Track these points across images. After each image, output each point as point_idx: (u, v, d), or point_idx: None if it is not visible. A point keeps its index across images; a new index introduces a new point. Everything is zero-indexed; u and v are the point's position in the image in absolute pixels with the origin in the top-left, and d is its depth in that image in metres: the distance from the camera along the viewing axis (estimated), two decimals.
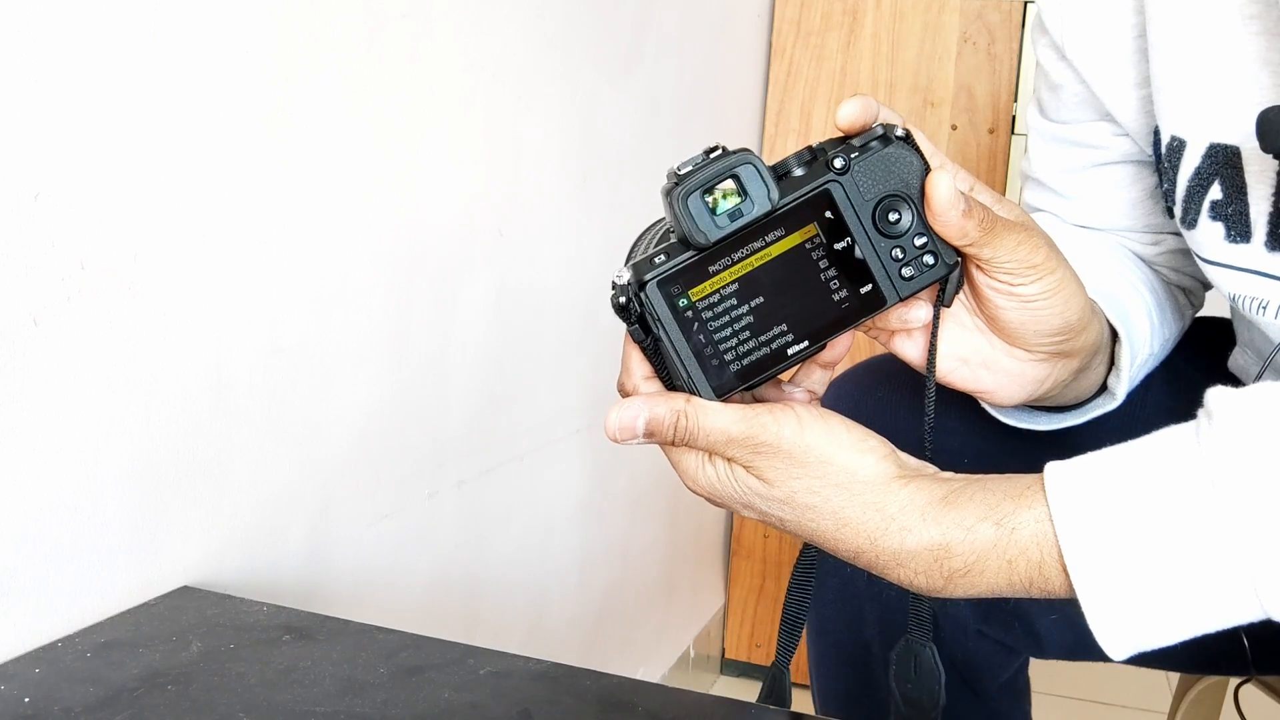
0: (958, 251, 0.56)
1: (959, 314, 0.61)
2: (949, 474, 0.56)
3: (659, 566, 1.68)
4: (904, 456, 0.55)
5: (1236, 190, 0.69)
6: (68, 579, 0.66)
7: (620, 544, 1.52)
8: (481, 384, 1.10)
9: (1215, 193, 0.70)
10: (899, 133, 0.56)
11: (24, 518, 0.63)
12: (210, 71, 0.73)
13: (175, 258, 0.72)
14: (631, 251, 0.61)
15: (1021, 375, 0.62)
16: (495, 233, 1.09)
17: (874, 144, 0.55)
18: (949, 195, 0.54)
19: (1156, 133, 0.75)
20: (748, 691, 1.93)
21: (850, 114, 0.56)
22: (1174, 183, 0.73)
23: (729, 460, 0.55)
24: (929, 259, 0.56)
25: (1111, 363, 0.71)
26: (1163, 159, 0.74)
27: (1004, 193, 1.78)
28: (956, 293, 0.58)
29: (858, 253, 0.55)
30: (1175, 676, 1.40)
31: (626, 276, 0.54)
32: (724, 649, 1.99)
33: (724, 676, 1.99)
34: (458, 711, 0.60)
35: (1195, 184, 0.71)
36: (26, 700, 0.58)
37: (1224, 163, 0.70)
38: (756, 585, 1.96)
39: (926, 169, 0.55)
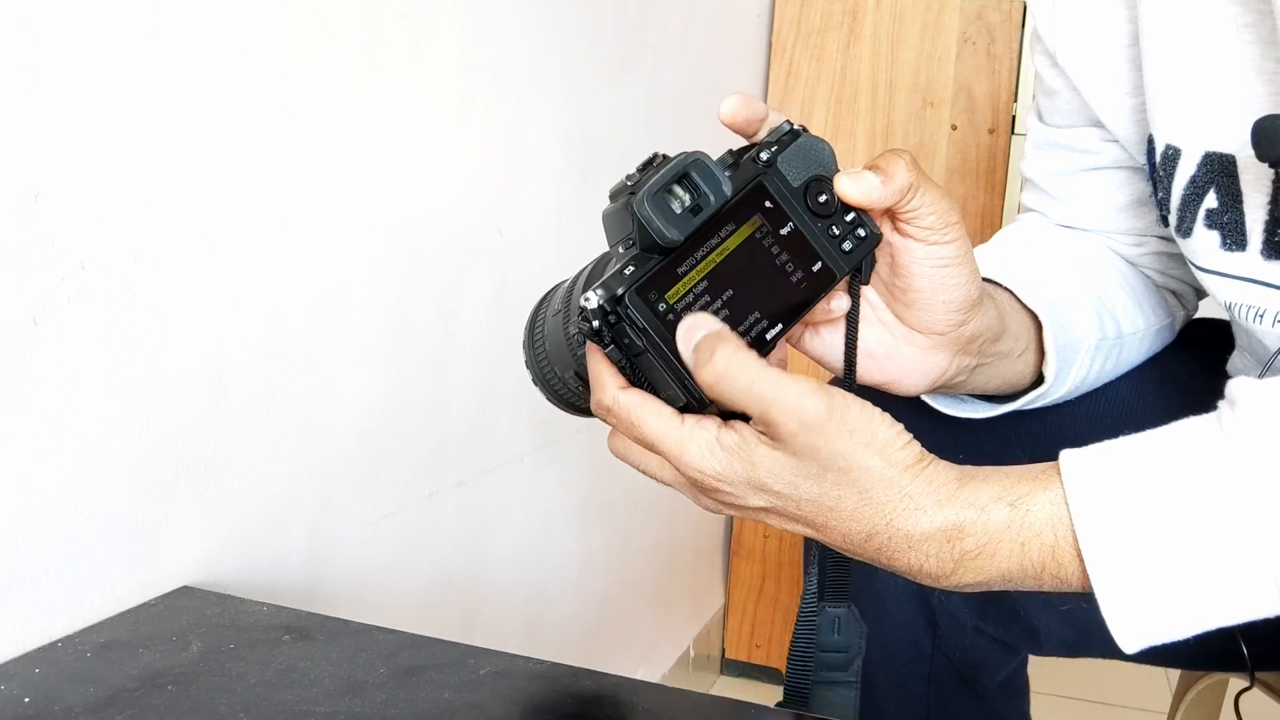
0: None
1: (863, 310, 0.63)
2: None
3: (659, 566, 1.68)
4: (919, 444, 0.55)
5: (1232, 199, 0.69)
6: (68, 579, 0.66)
7: (620, 544, 1.52)
8: (481, 384, 1.10)
9: (1210, 201, 0.70)
10: (798, 126, 0.60)
11: (24, 518, 0.63)
12: (210, 71, 0.73)
13: (175, 258, 0.72)
14: (539, 311, 0.62)
15: (924, 363, 0.64)
16: (495, 233, 1.10)
17: (785, 138, 0.59)
18: (860, 189, 0.58)
19: (1150, 141, 0.75)
20: (748, 691, 1.94)
21: (732, 107, 0.59)
22: (1169, 191, 0.73)
23: (758, 436, 0.52)
24: (860, 231, 0.60)
25: (1044, 353, 0.72)
26: (1157, 168, 0.74)
27: (1004, 193, 1.78)
28: (871, 270, 0.62)
29: (801, 235, 0.59)
30: (1175, 676, 1.40)
31: (596, 298, 0.53)
32: (724, 649, 1.99)
33: (724, 676, 1.99)
34: (458, 711, 0.60)
35: (1190, 193, 0.72)
36: (26, 700, 0.58)
37: (1220, 171, 0.70)
38: (756, 585, 1.96)
39: (833, 151, 0.60)
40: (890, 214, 0.60)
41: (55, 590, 0.66)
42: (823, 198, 0.59)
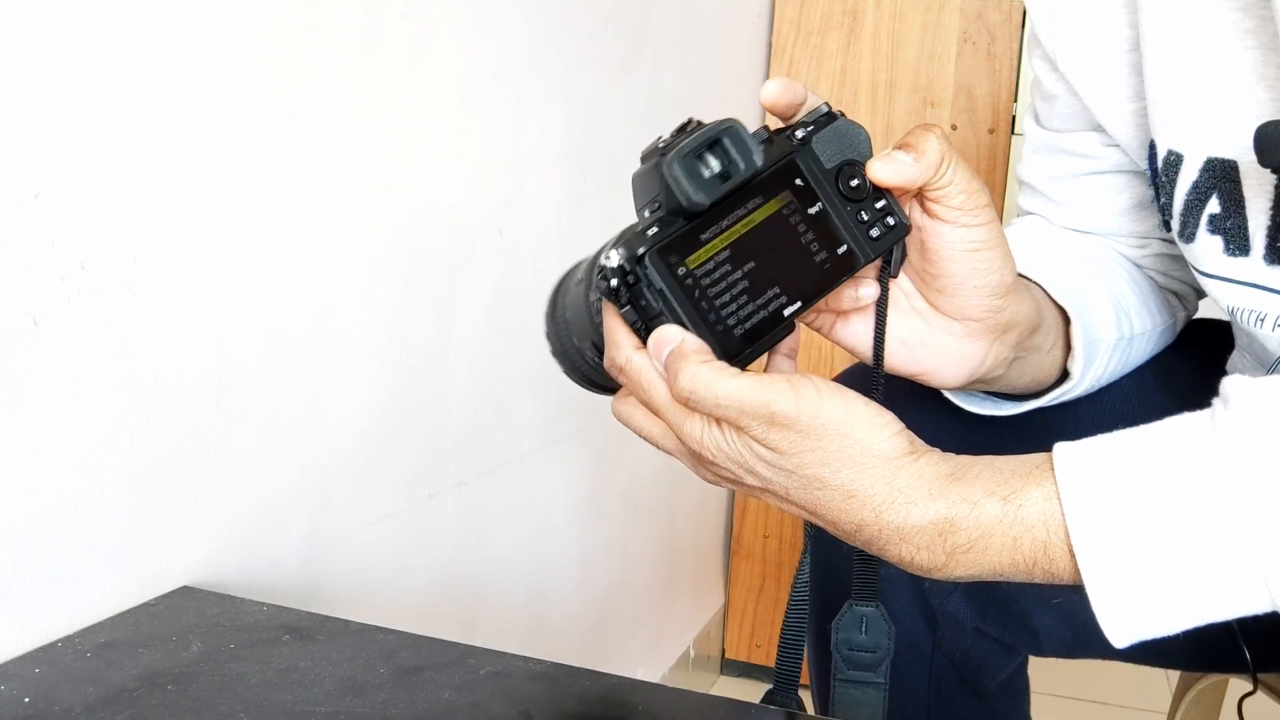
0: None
1: (896, 298, 0.62)
2: (956, 455, 0.55)
3: (659, 566, 1.68)
4: (913, 434, 0.55)
5: (1235, 204, 0.69)
6: (68, 579, 0.66)
7: (620, 544, 1.52)
8: (481, 384, 1.10)
9: (1213, 206, 0.70)
10: (836, 111, 0.59)
11: (24, 518, 0.63)
12: (210, 71, 0.73)
13: (175, 258, 0.72)
14: (564, 282, 0.63)
15: (960, 353, 0.63)
16: (495, 232, 1.10)
17: (822, 119, 0.59)
18: (893, 169, 0.57)
19: (1152, 146, 0.75)
20: (748, 691, 1.94)
21: (774, 91, 0.59)
22: (1171, 196, 0.73)
23: (739, 430, 0.54)
24: (890, 220, 0.59)
25: (1070, 349, 0.71)
26: (1159, 173, 0.74)
27: (1003, 194, 1.78)
28: (901, 263, 0.61)
29: (830, 217, 0.58)
30: (1175, 676, 1.40)
31: (618, 256, 0.54)
32: (724, 649, 1.99)
33: (724, 676, 1.99)
34: (458, 711, 0.60)
35: (1193, 198, 0.72)
36: (26, 700, 0.58)
37: (1222, 177, 0.70)
38: (756, 585, 1.96)
39: (869, 137, 0.59)
40: (919, 195, 0.59)
41: (55, 590, 0.66)
42: (854, 182, 0.58)
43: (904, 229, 0.60)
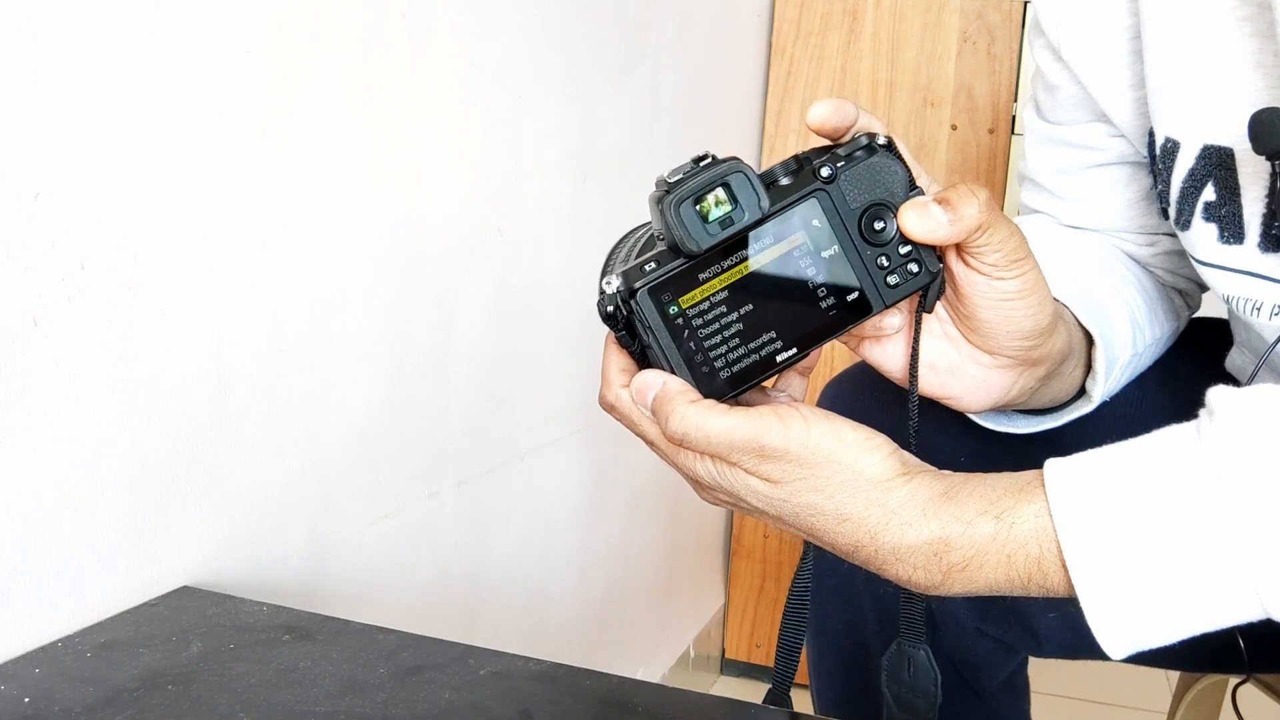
0: (940, 259, 0.57)
1: (928, 321, 0.61)
2: (950, 472, 0.56)
3: (659, 566, 1.68)
4: (905, 454, 0.55)
5: (1230, 192, 0.69)
6: (68, 579, 0.66)
7: (620, 544, 1.52)
8: (481, 384, 1.10)
9: (1209, 194, 0.71)
10: (881, 141, 0.56)
11: (24, 518, 0.63)
12: (211, 71, 0.73)
13: (175, 258, 0.72)
14: (610, 259, 0.62)
15: (988, 381, 0.62)
16: (495, 232, 1.10)
17: (859, 153, 0.56)
18: (923, 226, 0.55)
19: (1151, 133, 0.75)
20: (748, 691, 1.94)
21: (821, 114, 0.56)
22: (1168, 184, 0.73)
23: (731, 464, 0.54)
24: (913, 267, 0.57)
25: (1089, 367, 0.71)
26: (1157, 160, 0.74)
27: (1004, 193, 1.78)
28: (938, 299, 0.58)
29: (844, 261, 0.56)
30: (1175, 676, 1.40)
31: (615, 284, 0.54)
32: (724, 649, 1.99)
33: (724, 676, 1.99)
34: (458, 711, 0.60)
35: (1189, 185, 0.72)
36: (26, 700, 0.58)
37: (1217, 164, 0.70)
38: (756, 585, 1.96)
39: (910, 177, 0.56)
40: (962, 246, 0.57)
41: (55, 590, 0.66)
42: (879, 225, 0.56)
43: (928, 275, 0.57)
